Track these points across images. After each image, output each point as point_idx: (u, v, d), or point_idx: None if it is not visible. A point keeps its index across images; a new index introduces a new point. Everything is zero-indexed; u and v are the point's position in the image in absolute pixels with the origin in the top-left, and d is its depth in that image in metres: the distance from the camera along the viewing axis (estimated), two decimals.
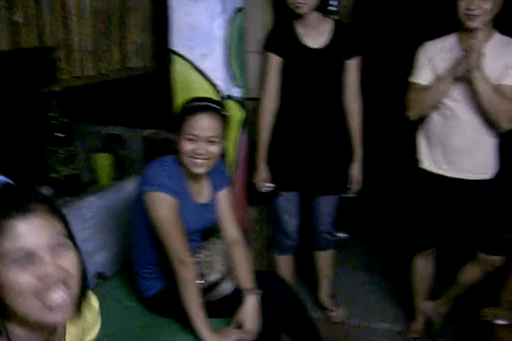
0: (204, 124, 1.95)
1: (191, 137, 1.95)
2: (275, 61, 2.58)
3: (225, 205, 2.18)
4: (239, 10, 2.48)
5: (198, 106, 1.97)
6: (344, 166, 2.72)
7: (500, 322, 1.79)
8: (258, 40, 2.66)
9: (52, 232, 1.04)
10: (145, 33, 2.62)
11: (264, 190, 2.69)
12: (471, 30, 2.25)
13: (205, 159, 1.97)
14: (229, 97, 2.50)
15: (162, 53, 2.60)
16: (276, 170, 2.69)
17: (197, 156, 1.95)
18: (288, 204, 2.75)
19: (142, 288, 2.13)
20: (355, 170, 2.72)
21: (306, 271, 3.17)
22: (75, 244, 1.10)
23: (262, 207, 2.93)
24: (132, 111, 2.87)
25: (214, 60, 2.41)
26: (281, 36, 2.58)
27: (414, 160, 2.54)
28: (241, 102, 2.58)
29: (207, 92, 2.41)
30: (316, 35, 2.56)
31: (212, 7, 2.35)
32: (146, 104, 2.89)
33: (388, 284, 3.29)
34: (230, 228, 2.18)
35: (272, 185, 2.69)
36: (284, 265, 2.92)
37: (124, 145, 2.63)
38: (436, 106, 2.37)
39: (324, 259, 2.95)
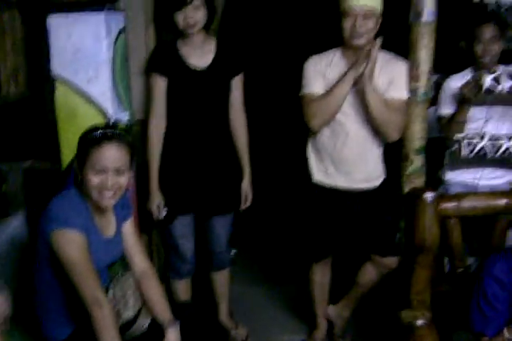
0: (111, 155, 1.84)
1: (99, 169, 1.84)
2: (160, 82, 2.51)
3: (131, 236, 2.08)
4: (122, 30, 2.40)
5: (103, 135, 1.86)
6: (235, 184, 2.72)
7: (420, 322, 1.88)
8: (141, 61, 2.59)
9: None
10: (19, 57, 2.44)
11: (159, 215, 2.61)
12: (355, 48, 2.36)
13: (114, 191, 1.86)
14: (116, 122, 2.40)
15: (40, 78, 2.44)
16: (169, 193, 2.62)
17: (106, 189, 1.84)
18: (183, 228, 2.69)
19: (49, 335, 1.96)
20: (245, 187, 2.74)
21: (201, 293, 3.12)
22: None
23: (154, 232, 2.85)
24: (9, 142, 2.66)
25: (100, 84, 2.32)
26: (165, 56, 2.53)
27: (307, 174, 2.61)
28: (127, 126, 2.49)
29: (94, 118, 2.31)
30: (200, 54, 2.54)
31: (96, 28, 2.26)
32: (23, 133, 2.69)
33: (285, 296, 3.32)
34: (139, 259, 2.09)
35: (166, 209, 2.62)
36: (182, 289, 2.84)
37: (4, 179, 2.43)
38: (337, 113, 2.44)
39: (221, 279, 2.92)
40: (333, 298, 2.84)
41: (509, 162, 2.66)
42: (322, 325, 2.86)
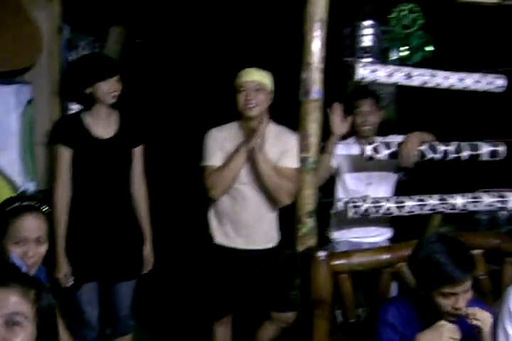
0: (31, 225, 1.90)
1: (19, 240, 1.88)
2: (65, 152, 2.59)
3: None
4: (29, 102, 2.48)
5: (21, 207, 1.92)
6: (137, 250, 2.81)
7: None
8: (46, 132, 2.66)
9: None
10: None
11: (67, 284, 2.62)
12: (250, 119, 2.62)
13: (34, 261, 1.91)
14: (23, 193, 2.44)
15: None
16: (74, 262, 2.65)
17: (27, 259, 1.88)
18: (89, 295, 2.71)
19: None
20: (147, 252, 2.84)
21: None
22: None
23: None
24: None
25: (9, 155, 2.37)
26: (70, 128, 2.63)
27: (208, 236, 2.77)
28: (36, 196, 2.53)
29: (2, 189, 2.34)
30: (105, 125, 2.67)
31: (6, 100, 2.33)
32: None
33: None
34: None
35: (72, 278, 2.64)
36: None
37: None
38: (234, 182, 2.64)
39: None
40: None
41: (387, 221, 3.01)
42: None
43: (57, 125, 2.67)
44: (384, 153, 2.71)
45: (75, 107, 2.96)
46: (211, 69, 4.57)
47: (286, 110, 2.63)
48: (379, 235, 3.02)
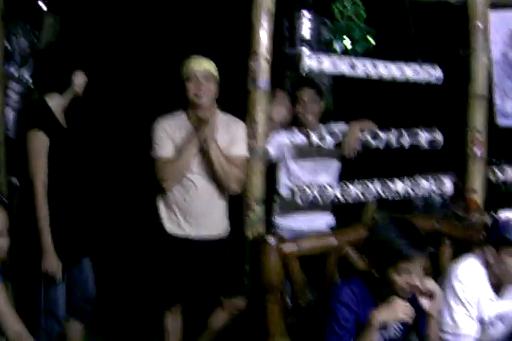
0: None
1: None
2: (43, 137, 2.53)
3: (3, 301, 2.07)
4: None
5: None
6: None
7: None
8: None
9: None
10: None
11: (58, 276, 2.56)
12: (199, 107, 2.64)
13: None
14: None
15: None
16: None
17: None
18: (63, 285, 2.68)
19: None
20: None
21: None
22: None
23: None
24: None
25: None
26: (43, 114, 2.61)
27: (158, 225, 2.78)
28: None
29: None
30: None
31: None
32: None
33: None
34: (12, 322, 2.07)
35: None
36: None
37: None
38: (186, 172, 2.66)
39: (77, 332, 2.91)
40: None
41: (329, 208, 3.11)
42: None
43: (31, 111, 2.64)
44: (328, 141, 2.80)
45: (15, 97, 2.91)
46: (155, 57, 4.52)
47: (233, 99, 2.67)
48: (322, 222, 3.12)
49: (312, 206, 2.95)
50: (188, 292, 2.85)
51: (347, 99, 4.04)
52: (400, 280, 2.06)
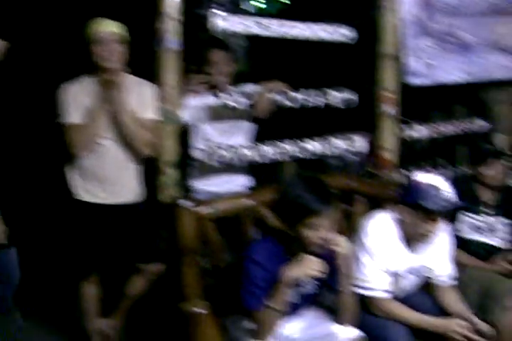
0: None
1: None
2: None
3: None
4: None
5: None
6: None
7: (198, 310, 2.14)
8: None
9: None
10: None
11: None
12: (107, 71, 2.55)
13: None
14: None
15: None
16: None
17: None
18: None
19: None
20: None
21: None
22: None
23: None
24: None
25: None
26: None
27: (69, 193, 2.70)
28: None
29: None
30: None
31: None
32: None
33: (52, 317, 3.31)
34: None
35: None
36: None
37: None
38: (97, 137, 2.58)
39: None
40: (104, 311, 2.95)
41: (245, 169, 3.11)
42: (97, 338, 2.94)
43: None
44: (241, 102, 2.77)
45: None
46: (59, 21, 4.31)
47: (144, 62, 2.59)
48: (238, 183, 3.11)
49: (228, 168, 2.94)
50: (105, 260, 2.80)
51: (263, 60, 4.01)
52: (310, 235, 2.08)
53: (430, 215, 2.30)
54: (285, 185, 2.19)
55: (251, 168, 3.15)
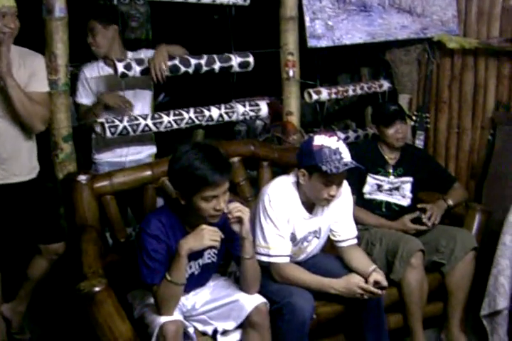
0: None
1: None
2: None
3: None
4: None
5: None
6: None
7: (97, 289, 2.06)
8: None
9: None
10: None
11: None
12: None
13: None
14: None
15: None
16: None
17: None
18: None
19: None
20: None
21: None
22: None
23: None
24: None
25: None
26: None
27: None
28: None
29: None
30: None
31: None
32: None
33: None
34: None
35: None
36: None
37: None
38: None
39: None
40: (5, 296, 2.83)
41: (149, 138, 3.01)
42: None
43: None
44: (136, 70, 2.65)
45: None
46: None
47: (31, 31, 2.43)
48: (140, 152, 3.01)
49: (132, 138, 2.86)
50: (3, 243, 2.67)
51: (165, 27, 3.88)
52: (207, 206, 2.02)
53: (329, 178, 2.29)
54: (179, 154, 2.10)
55: (160, 137, 3.05)
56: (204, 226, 2.05)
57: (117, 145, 2.93)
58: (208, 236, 2.03)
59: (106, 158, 2.98)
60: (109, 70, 2.81)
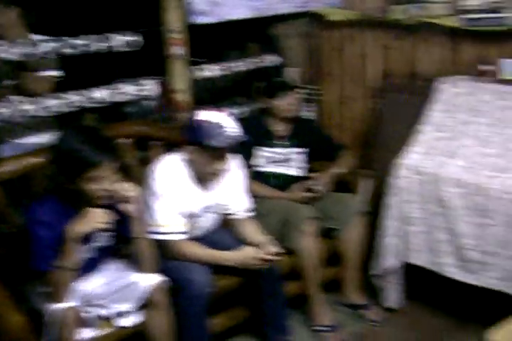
0: None
1: None
2: None
3: None
4: None
5: None
6: None
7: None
8: None
9: None
10: None
11: None
12: None
13: None
14: None
15: None
16: None
17: None
18: None
19: None
20: None
21: None
22: None
23: None
24: None
25: None
26: None
27: None
28: None
29: None
30: None
31: None
32: None
33: None
34: None
35: None
36: None
37: None
38: None
39: None
40: None
41: (49, 123, 2.86)
42: None
43: None
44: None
45: None
46: None
47: None
48: (42, 136, 2.87)
49: (32, 122, 2.75)
50: None
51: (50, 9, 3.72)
52: (93, 188, 2.00)
53: (216, 153, 2.31)
54: (59, 139, 2.05)
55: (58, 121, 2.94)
56: (90, 208, 2.03)
57: (16, 134, 2.82)
58: (96, 218, 2.01)
59: (8, 147, 2.85)
60: None
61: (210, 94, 3.41)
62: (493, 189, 2.49)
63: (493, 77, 2.89)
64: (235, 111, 3.42)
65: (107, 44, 2.80)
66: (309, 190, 2.92)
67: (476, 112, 2.78)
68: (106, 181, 2.01)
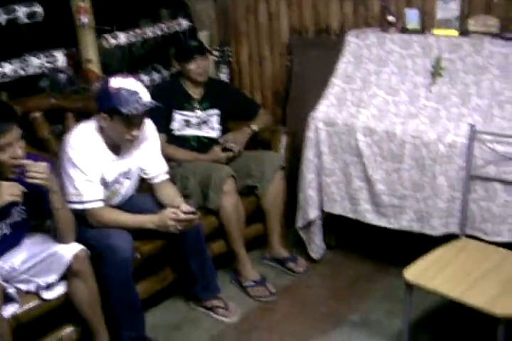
0: None
1: None
2: None
3: None
4: None
5: None
6: None
7: None
8: None
9: None
10: None
11: None
12: None
13: None
14: None
15: None
16: None
17: None
18: None
19: None
20: None
21: None
22: None
23: None
24: None
25: None
26: None
27: None
28: None
29: None
30: None
31: None
32: None
33: None
34: None
35: None
36: None
37: None
38: None
39: None
40: None
41: None
42: None
43: None
44: None
45: None
46: None
47: None
48: None
49: None
50: None
51: None
52: (3, 157, 1.96)
53: (129, 119, 2.30)
54: None
55: None
56: (1, 182, 1.99)
57: None
58: (6, 191, 1.98)
59: None
60: None
61: (127, 62, 3.36)
62: (403, 134, 2.58)
63: (398, 27, 2.96)
64: (155, 77, 3.42)
65: (7, 16, 2.72)
66: (225, 150, 2.95)
67: (383, 62, 2.84)
68: (14, 147, 1.97)
